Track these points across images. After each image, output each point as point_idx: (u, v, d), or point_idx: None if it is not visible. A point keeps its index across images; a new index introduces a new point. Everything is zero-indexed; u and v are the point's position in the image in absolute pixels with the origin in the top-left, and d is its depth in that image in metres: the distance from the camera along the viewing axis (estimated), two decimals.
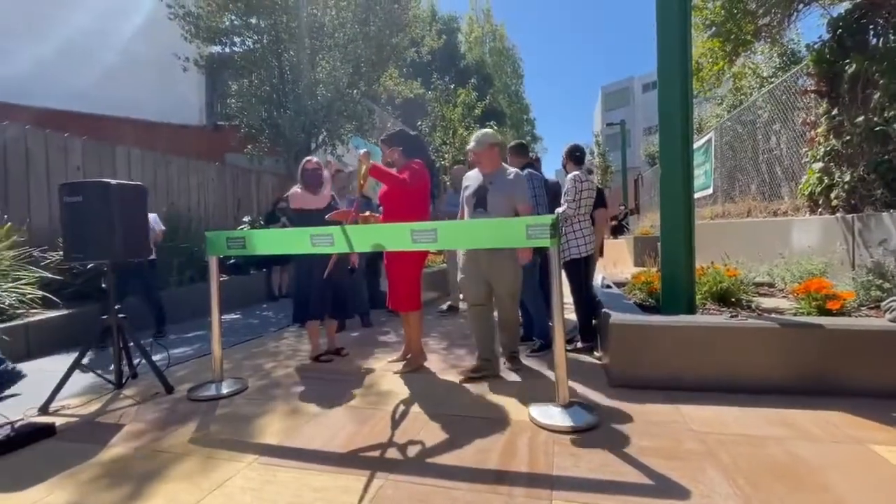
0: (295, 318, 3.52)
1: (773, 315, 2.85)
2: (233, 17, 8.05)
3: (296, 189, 3.47)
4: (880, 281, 3.20)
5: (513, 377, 2.99)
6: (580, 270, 3.49)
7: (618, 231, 14.01)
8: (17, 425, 2.24)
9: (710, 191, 8.83)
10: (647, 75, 35.22)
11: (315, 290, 3.36)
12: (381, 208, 3.20)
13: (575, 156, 3.64)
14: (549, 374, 2.93)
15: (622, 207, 15.95)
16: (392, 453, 2.02)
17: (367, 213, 2.83)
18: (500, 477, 1.78)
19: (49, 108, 8.22)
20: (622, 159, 18.65)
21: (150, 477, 1.88)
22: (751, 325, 2.54)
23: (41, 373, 3.57)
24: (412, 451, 2.03)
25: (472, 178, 3.08)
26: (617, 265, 8.85)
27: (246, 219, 7.50)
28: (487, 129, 3.20)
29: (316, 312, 3.41)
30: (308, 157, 3.50)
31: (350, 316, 3.77)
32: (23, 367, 2.94)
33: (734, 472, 1.75)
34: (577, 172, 3.49)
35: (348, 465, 1.91)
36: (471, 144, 3.05)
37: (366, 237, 2.70)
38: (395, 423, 2.33)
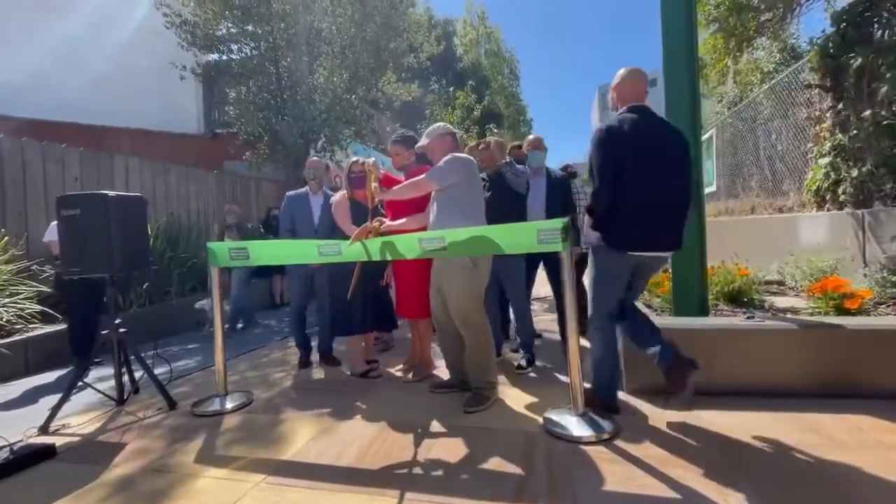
0: (338, 331, 3.39)
1: (789, 315, 2.78)
2: (230, 25, 8.01)
3: (343, 193, 3.36)
4: None
5: (527, 383, 2.92)
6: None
7: None
8: (16, 447, 2.17)
9: (713, 188, 8.77)
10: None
11: (356, 303, 3.20)
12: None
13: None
14: (563, 379, 2.86)
15: None
16: (406, 468, 1.94)
17: (377, 222, 2.75)
18: (521, 492, 1.71)
19: (46, 120, 8.18)
20: None
21: (155, 499, 1.80)
22: (769, 326, 2.48)
23: (41, 390, 3.50)
24: (427, 465, 1.96)
25: None
26: None
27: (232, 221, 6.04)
28: (439, 123, 2.93)
29: (357, 326, 3.26)
30: (354, 159, 3.40)
31: (393, 327, 3.58)
32: (22, 383, 2.87)
33: (764, 482, 1.68)
34: None
35: (361, 482, 1.84)
36: (422, 140, 2.79)
37: (376, 248, 2.63)
38: (407, 435, 2.26)
